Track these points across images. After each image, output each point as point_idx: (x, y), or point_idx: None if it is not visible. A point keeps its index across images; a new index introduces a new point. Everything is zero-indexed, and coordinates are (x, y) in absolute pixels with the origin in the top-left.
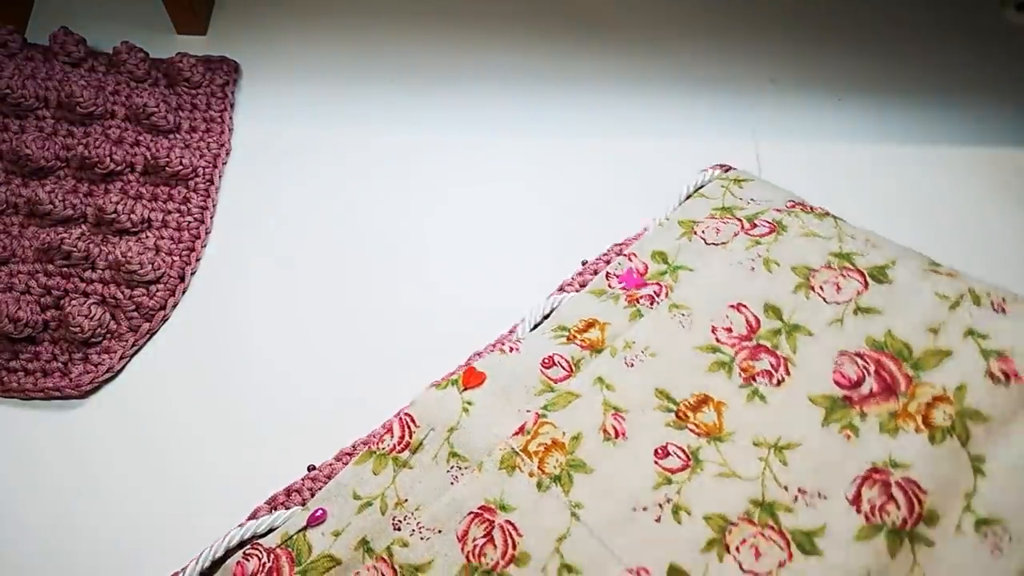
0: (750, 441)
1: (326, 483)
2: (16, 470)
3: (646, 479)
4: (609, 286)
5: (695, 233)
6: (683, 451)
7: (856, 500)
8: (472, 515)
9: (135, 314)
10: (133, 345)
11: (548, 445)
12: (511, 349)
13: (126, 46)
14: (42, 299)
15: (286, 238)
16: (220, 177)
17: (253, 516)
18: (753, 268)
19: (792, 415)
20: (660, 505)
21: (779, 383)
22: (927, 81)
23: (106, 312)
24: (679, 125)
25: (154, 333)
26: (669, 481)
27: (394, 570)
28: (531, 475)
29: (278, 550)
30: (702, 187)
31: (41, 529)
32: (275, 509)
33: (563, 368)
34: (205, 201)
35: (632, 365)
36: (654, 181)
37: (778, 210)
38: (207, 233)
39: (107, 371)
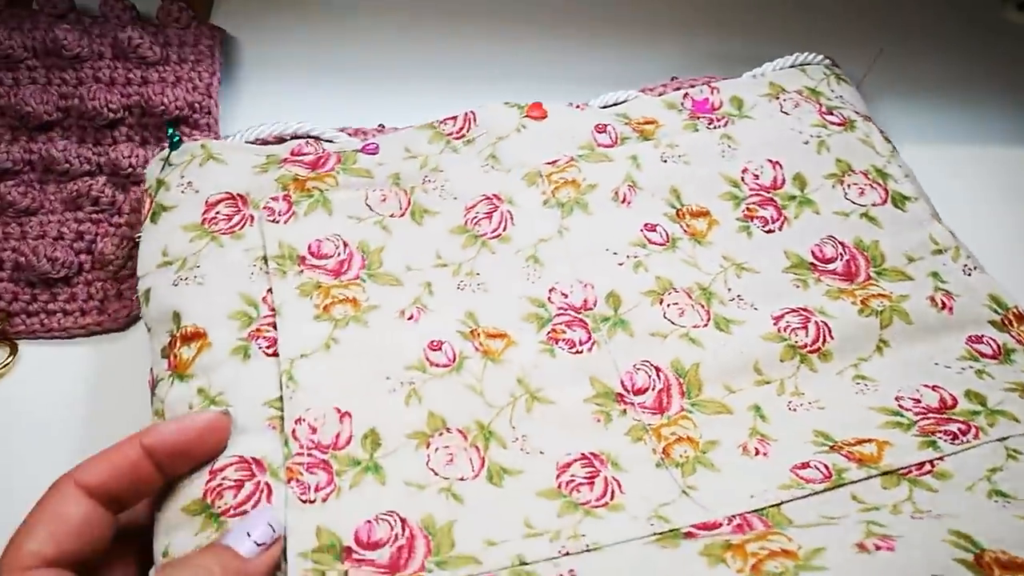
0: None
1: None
2: (67, 402)
3: (629, 234)
4: (682, 104)
5: (777, 98)
6: (664, 231)
7: (778, 318)
8: (485, 198)
9: None
10: None
11: (566, 181)
12: (578, 107)
13: None
14: (75, 244)
15: None
16: (217, 107)
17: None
18: (806, 142)
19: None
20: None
21: (779, 226)
22: (926, 80)
23: (136, 247)
24: None
25: None
26: (646, 244)
27: (409, 201)
28: (543, 193)
29: (328, 152)
30: (807, 64)
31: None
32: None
33: (610, 139)
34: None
35: (666, 161)
36: None
37: (856, 112)
38: None
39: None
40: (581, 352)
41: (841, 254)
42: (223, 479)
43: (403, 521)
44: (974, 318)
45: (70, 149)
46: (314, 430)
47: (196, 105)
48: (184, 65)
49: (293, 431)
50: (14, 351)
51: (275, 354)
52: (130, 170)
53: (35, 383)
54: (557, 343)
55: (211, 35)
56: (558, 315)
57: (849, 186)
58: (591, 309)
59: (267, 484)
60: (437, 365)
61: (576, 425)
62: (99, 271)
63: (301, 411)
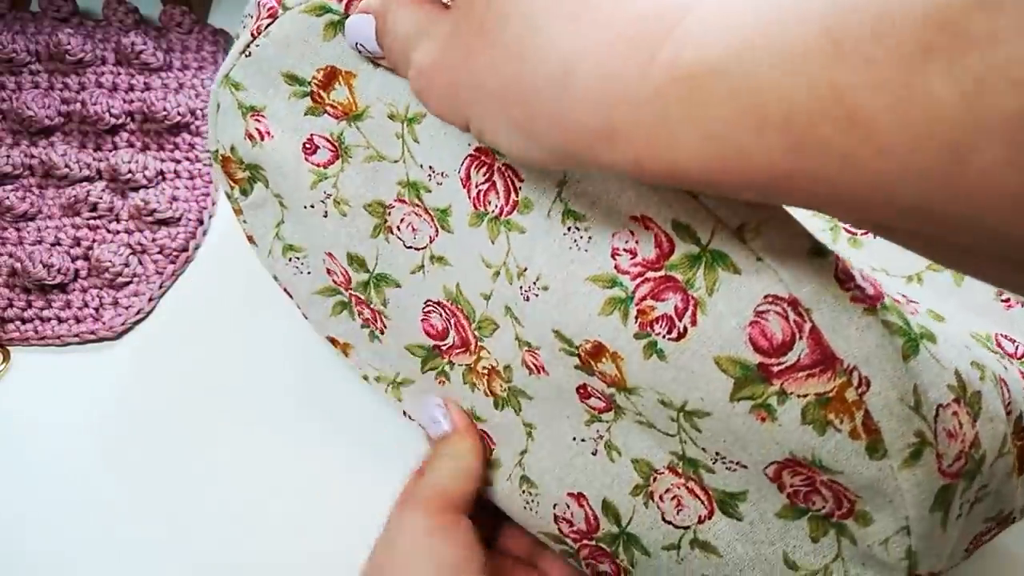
0: None
1: None
2: (59, 411)
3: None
4: None
5: None
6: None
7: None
8: None
9: (160, 256)
10: (160, 287)
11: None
12: None
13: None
14: (71, 250)
15: None
16: None
17: None
18: None
19: None
20: None
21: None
22: None
23: (133, 255)
24: None
25: (179, 275)
26: None
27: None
28: None
29: None
30: None
31: (90, 469)
32: None
33: None
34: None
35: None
36: None
37: None
38: None
39: (138, 312)
40: None
41: None
42: None
43: None
44: None
45: (70, 154)
46: None
47: (198, 111)
48: (187, 71)
49: None
50: (7, 358)
51: None
52: (129, 175)
53: (27, 391)
54: None
55: (214, 40)
56: None
57: None
58: None
59: None
60: None
61: None
62: (95, 278)
63: None
